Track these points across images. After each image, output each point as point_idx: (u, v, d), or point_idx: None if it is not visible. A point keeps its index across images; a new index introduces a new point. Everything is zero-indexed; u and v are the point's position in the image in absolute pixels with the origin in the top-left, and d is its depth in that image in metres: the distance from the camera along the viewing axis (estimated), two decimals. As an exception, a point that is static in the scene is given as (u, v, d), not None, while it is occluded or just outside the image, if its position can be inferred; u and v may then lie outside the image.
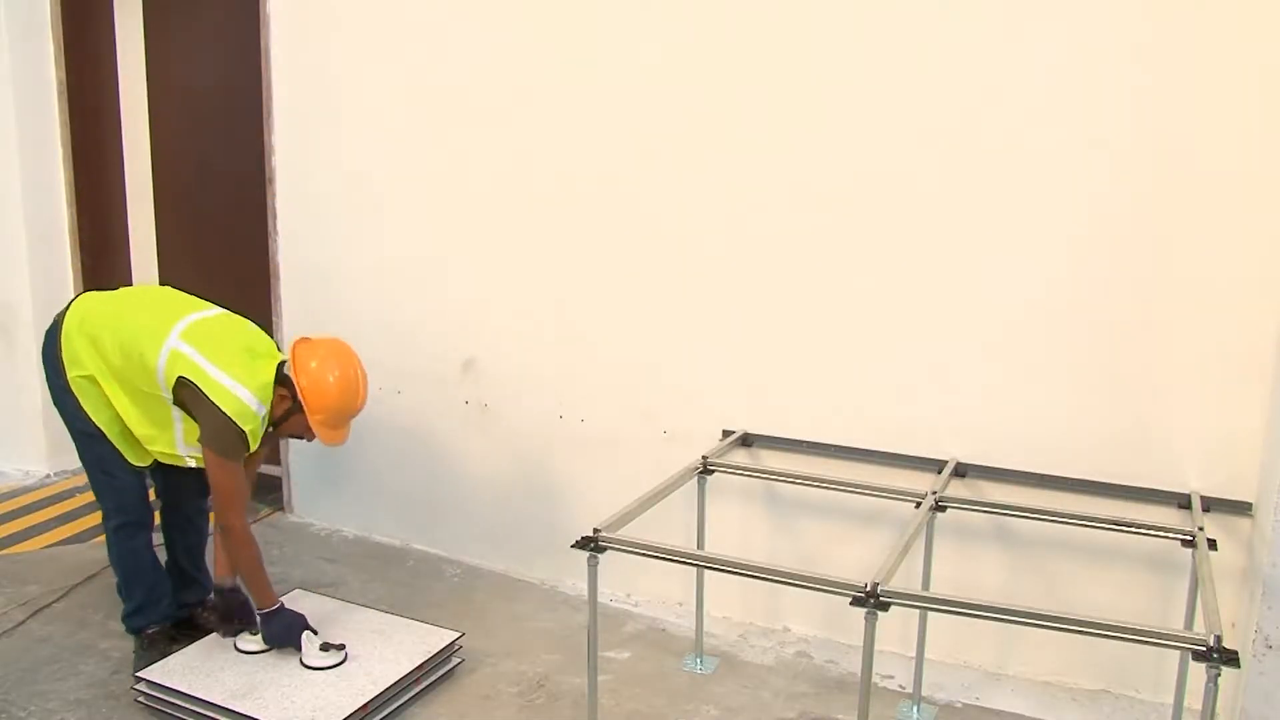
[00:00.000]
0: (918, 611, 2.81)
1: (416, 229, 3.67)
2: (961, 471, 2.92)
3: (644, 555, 2.36)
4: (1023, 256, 2.79)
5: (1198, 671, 1.91)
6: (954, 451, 2.94)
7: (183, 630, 3.05)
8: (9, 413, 4.47)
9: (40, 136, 4.33)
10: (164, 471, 3.01)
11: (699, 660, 3.07)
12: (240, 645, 2.87)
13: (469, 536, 3.76)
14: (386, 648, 2.89)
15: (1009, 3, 2.71)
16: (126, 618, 3.02)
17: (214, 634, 2.94)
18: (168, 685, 2.70)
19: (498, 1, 3.38)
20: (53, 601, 3.34)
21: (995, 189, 2.79)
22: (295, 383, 2.75)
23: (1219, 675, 1.87)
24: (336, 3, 3.68)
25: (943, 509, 2.70)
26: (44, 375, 2.90)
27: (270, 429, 2.82)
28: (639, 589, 3.44)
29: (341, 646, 2.82)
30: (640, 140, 3.22)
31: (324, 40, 3.73)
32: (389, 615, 3.12)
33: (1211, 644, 1.88)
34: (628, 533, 2.41)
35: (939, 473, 2.87)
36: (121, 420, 2.84)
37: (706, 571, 2.89)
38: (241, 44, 4.03)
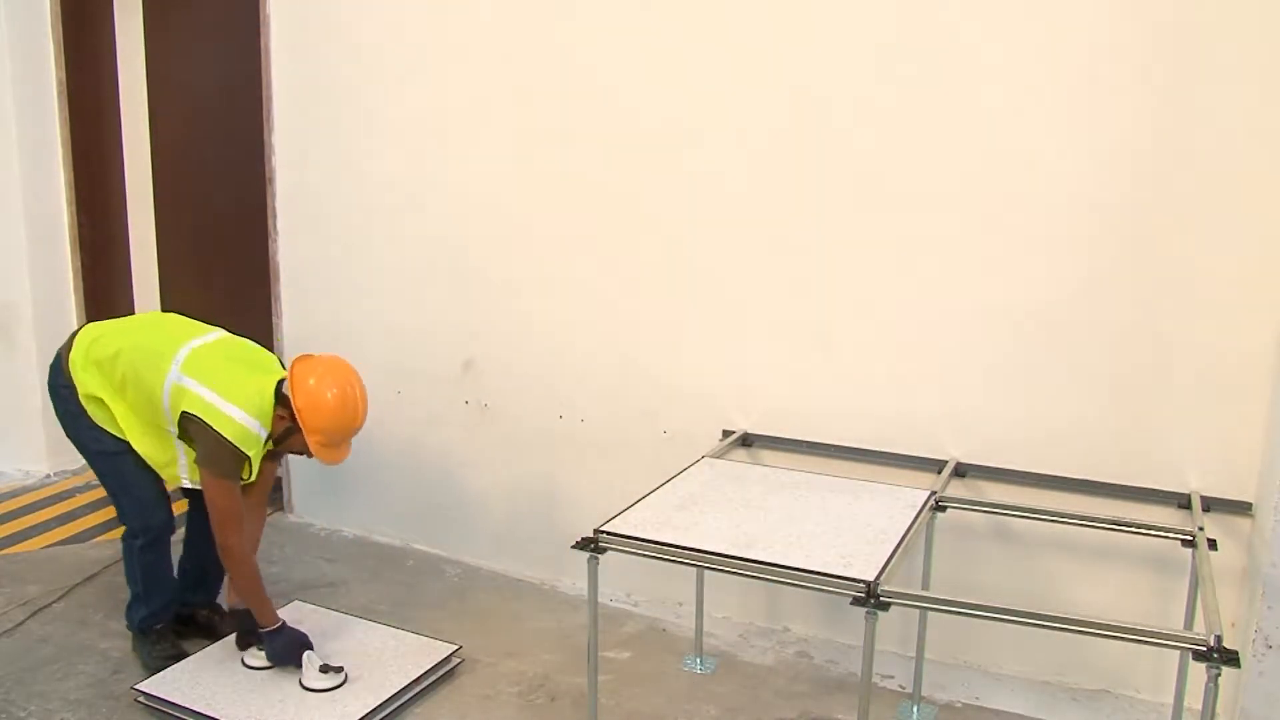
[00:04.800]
0: (918, 611, 2.82)
1: (415, 228, 3.67)
2: (961, 471, 2.92)
3: (644, 555, 2.36)
4: (1023, 257, 2.79)
5: (1198, 671, 1.91)
6: (954, 451, 2.94)
7: (187, 627, 3.10)
8: (9, 413, 4.47)
9: (40, 136, 4.33)
10: None
11: (699, 660, 3.07)
12: (247, 660, 2.89)
13: (469, 536, 3.76)
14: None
15: (1010, 2, 2.71)
16: (140, 620, 3.00)
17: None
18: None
19: (498, 2, 3.38)
20: (53, 601, 3.34)
21: (995, 189, 2.79)
22: (292, 403, 2.71)
23: (1219, 675, 1.87)
24: (336, 3, 3.68)
25: (943, 509, 2.70)
26: (53, 408, 2.91)
27: (272, 446, 2.81)
28: (639, 589, 3.44)
29: (340, 669, 2.81)
30: (639, 141, 3.22)
31: (324, 40, 3.73)
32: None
33: (1211, 644, 1.88)
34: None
35: (939, 473, 2.87)
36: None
37: (706, 571, 2.89)
38: (241, 44, 4.03)
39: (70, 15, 4.33)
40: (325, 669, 2.79)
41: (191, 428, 2.70)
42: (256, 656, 2.87)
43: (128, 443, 2.85)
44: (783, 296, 3.11)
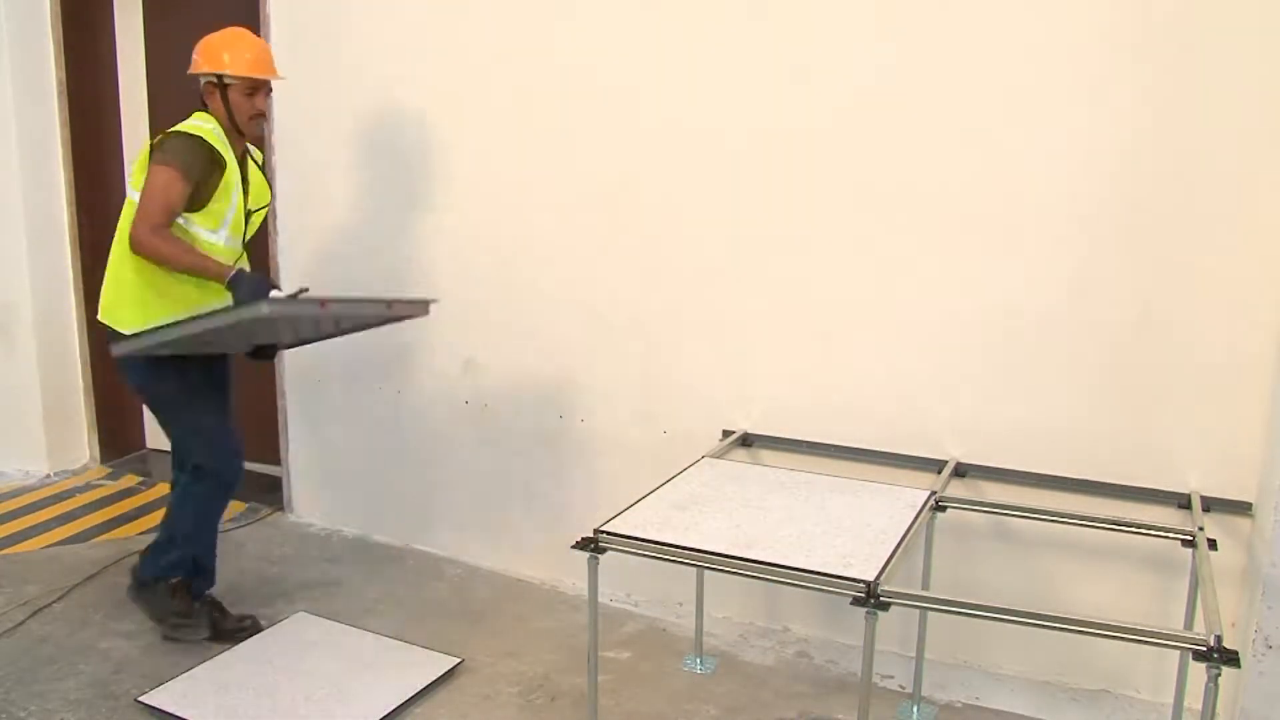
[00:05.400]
0: (918, 611, 2.82)
1: (415, 229, 3.67)
2: (961, 471, 2.92)
3: (644, 555, 2.36)
4: (1024, 256, 2.79)
5: (1198, 671, 1.91)
6: (954, 451, 2.94)
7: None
8: (9, 413, 4.47)
9: (40, 136, 4.33)
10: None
11: (699, 660, 3.07)
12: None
13: (469, 536, 3.76)
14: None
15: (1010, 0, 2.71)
16: (163, 566, 3.07)
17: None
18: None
19: (499, 1, 3.38)
20: (53, 601, 3.34)
21: (996, 189, 2.79)
22: (200, 69, 2.87)
23: (1219, 675, 1.87)
24: (336, 3, 3.68)
25: (943, 509, 2.70)
26: (123, 368, 2.96)
27: (239, 136, 2.92)
28: (639, 589, 3.44)
29: (307, 289, 2.85)
30: (638, 141, 3.22)
31: (324, 40, 3.73)
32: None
33: (1211, 644, 1.88)
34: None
35: (939, 473, 2.87)
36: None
37: (706, 571, 2.89)
38: (241, 44, 4.03)
39: (70, 15, 4.33)
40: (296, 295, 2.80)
41: (150, 164, 2.74)
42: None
43: (191, 383, 2.96)
44: (782, 296, 3.10)
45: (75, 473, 4.55)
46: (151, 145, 2.81)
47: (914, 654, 2.85)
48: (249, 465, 4.58)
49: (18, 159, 4.26)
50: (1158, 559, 2.74)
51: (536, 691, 2.90)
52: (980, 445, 2.91)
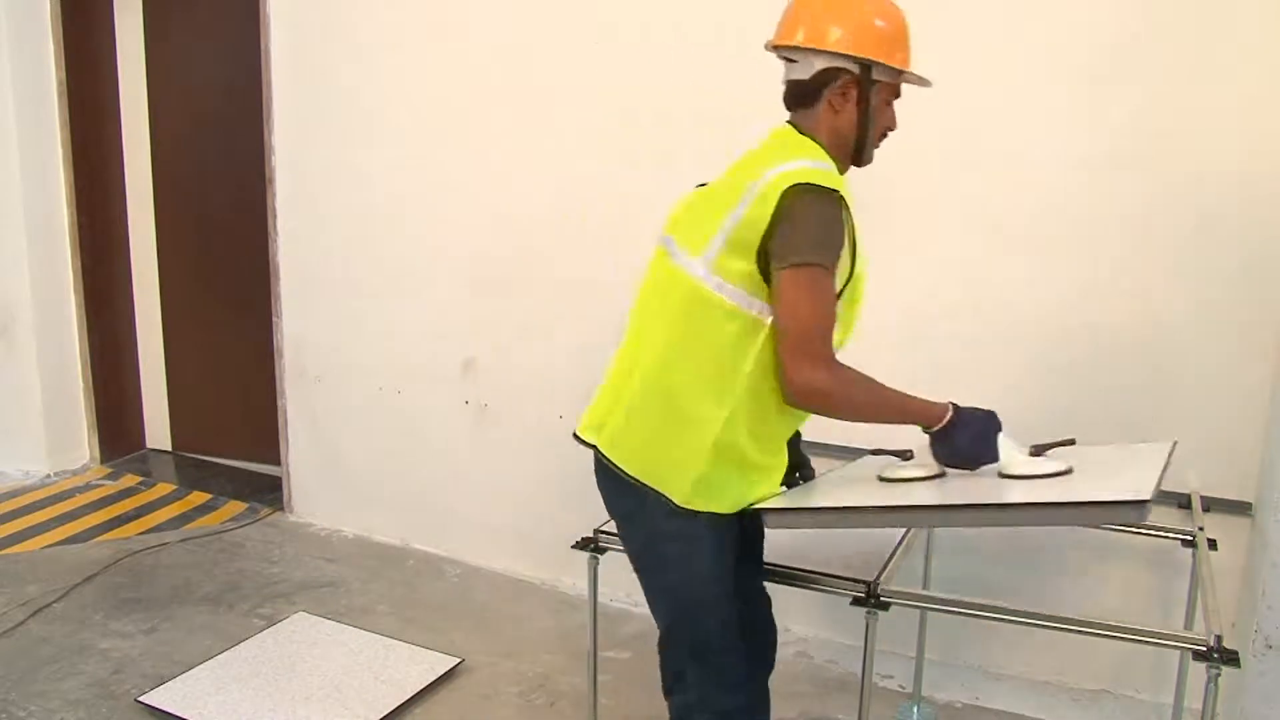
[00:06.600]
0: (918, 611, 2.82)
1: (416, 229, 3.67)
2: (962, 471, 2.92)
3: (644, 555, 2.36)
4: (1022, 256, 2.79)
5: (1198, 671, 1.90)
6: (954, 451, 2.94)
7: None
8: (9, 413, 4.47)
9: (40, 136, 4.33)
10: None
11: (699, 660, 3.06)
12: (888, 475, 2.04)
13: (469, 536, 3.76)
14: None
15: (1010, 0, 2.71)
16: None
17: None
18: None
19: (499, 1, 3.38)
20: (53, 601, 3.34)
21: (994, 189, 2.79)
22: (833, 45, 1.80)
23: (1219, 675, 1.86)
24: (336, 3, 3.68)
25: (943, 509, 2.69)
26: (630, 538, 2.02)
27: (845, 166, 1.91)
28: (639, 589, 3.42)
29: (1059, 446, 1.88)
30: (636, 142, 3.22)
31: (324, 40, 3.73)
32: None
33: (1211, 644, 1.88)
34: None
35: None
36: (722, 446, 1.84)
37: (706, 571, 2.88)
38: (241, 44, 4.03)
39: (70, 15, 4.33)
40: (1038, 451, 1.91)
41: (745, 247, 1.73)
42: (906, 467, 2.04)
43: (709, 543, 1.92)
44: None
45: (75, 473, 4.54)
46: (775, 213, 1.70)
47: (914, 654, 2.85)
48: (248, 466, 4.66)
49: (18, 159, 4.26)
50: (1158, 559, 2.74)
51: (536, 692, 2.90)
52: (980, 445, 2.91)
